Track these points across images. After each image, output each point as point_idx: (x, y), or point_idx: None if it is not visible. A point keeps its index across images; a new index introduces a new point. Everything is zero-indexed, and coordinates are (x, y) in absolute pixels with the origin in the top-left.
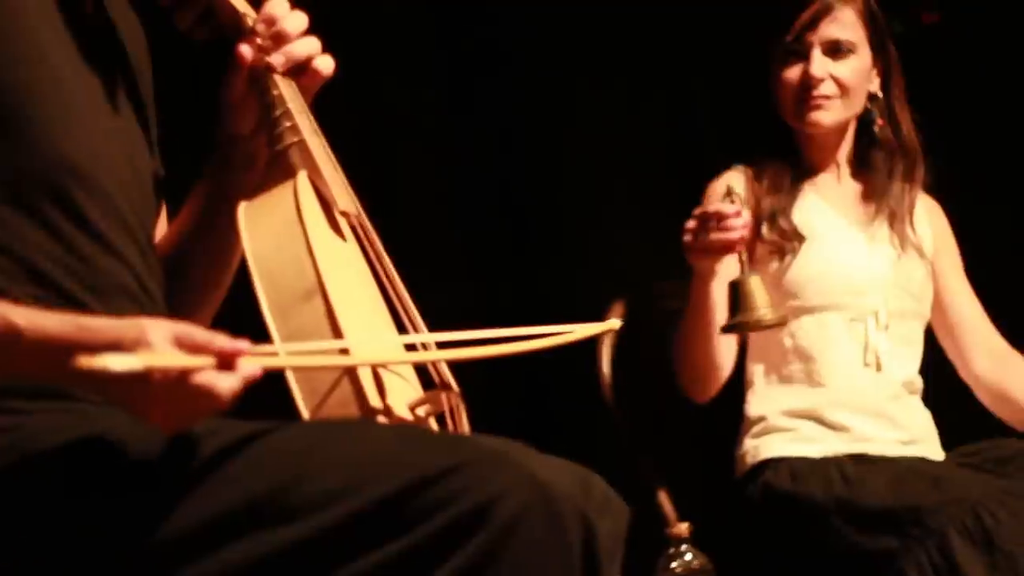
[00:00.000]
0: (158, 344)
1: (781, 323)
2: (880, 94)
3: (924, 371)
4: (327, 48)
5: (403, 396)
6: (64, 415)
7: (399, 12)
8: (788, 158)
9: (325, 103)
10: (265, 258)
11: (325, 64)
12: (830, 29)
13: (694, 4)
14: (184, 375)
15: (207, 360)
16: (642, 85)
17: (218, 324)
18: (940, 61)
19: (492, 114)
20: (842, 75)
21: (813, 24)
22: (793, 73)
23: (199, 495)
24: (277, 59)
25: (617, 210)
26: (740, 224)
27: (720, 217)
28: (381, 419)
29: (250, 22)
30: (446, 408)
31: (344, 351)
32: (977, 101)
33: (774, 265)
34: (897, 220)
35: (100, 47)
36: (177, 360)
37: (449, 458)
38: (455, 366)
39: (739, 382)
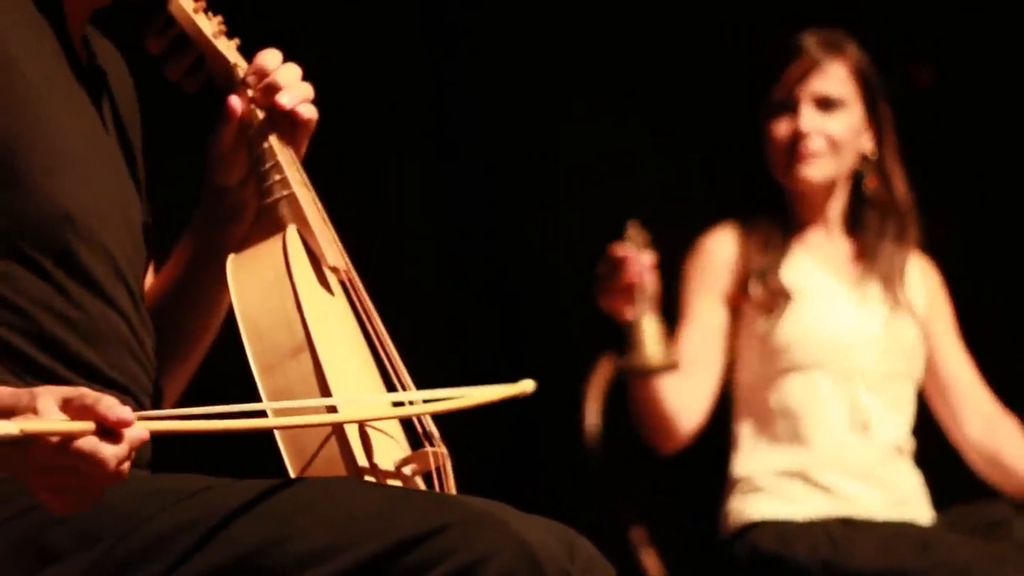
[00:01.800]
0: (45, 410)
1: (670, 367)
2: (872, 153)
3: (915, 430)
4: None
5: (390, 455)
6: None
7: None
8: (779, 215)
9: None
10: (253, 313)
11: (308, 111)
12: (820, 84)
13: (689, 52)
14: (66, 442)
15: (87, 425)
16: (634, 134)
17: (207, 379)
18: (935, 121)
19: (481, 178)
20: (832, 130)
21: (803, 78)
22: (782, 127)
23: (184, 551)
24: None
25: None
26: (637, 267)
27: (616, 261)
28: (368, 478)
29: (241, 73)
30: (433, 467)
31: (332, 408)
32: (973, 162)
33: (762, 323)
34: (888, 280)
35: (91, 96)
36: (55, 425)
37: (435, 519)
38: (441, 423)
39: (726, 439)
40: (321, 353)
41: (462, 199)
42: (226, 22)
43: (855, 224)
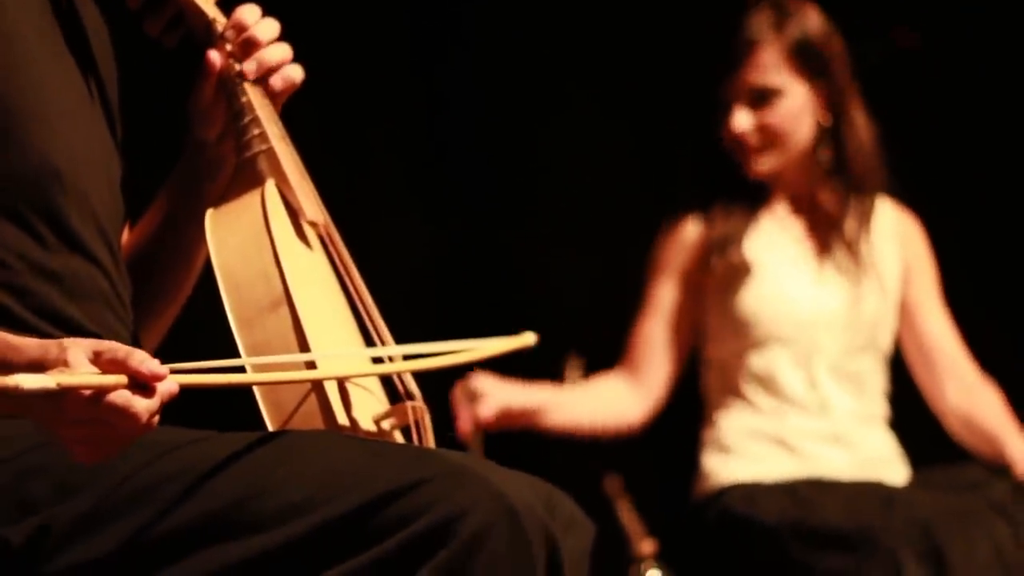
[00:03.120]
0: (76, 363)
1: None
2: (825, 121)
3: (896, 396)
4: (299, 51)
5: (369, 409)
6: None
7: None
8: (745, 189)
9: (294, 108)
10: (232, 268)
11: (294, 72)
12: (751, 76)
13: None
14: (99, 395)
15: (120, 378)
16: (613, 116)
17: (185, 332)
18: (920, 86)
19: (463, 146)
20: (770, 121)
21: (731, 72)
22: (725, 125)
23: (159, 505)
24: (248, 66)
25: (587, 238)
26: (466, 422)
27: (466, 395)
28: (347, 431)
29: (220, 28)
30: (411, 421)
31: (311, 364)
32: (957, 124)
33: (724, 296)
34: (851, 252)
35: (75, 52)
36: (90, 378)
37: (413, 473)
38: (421, 378)
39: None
40: (300, 306)
41: (453, 171)
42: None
43: (818, 195)
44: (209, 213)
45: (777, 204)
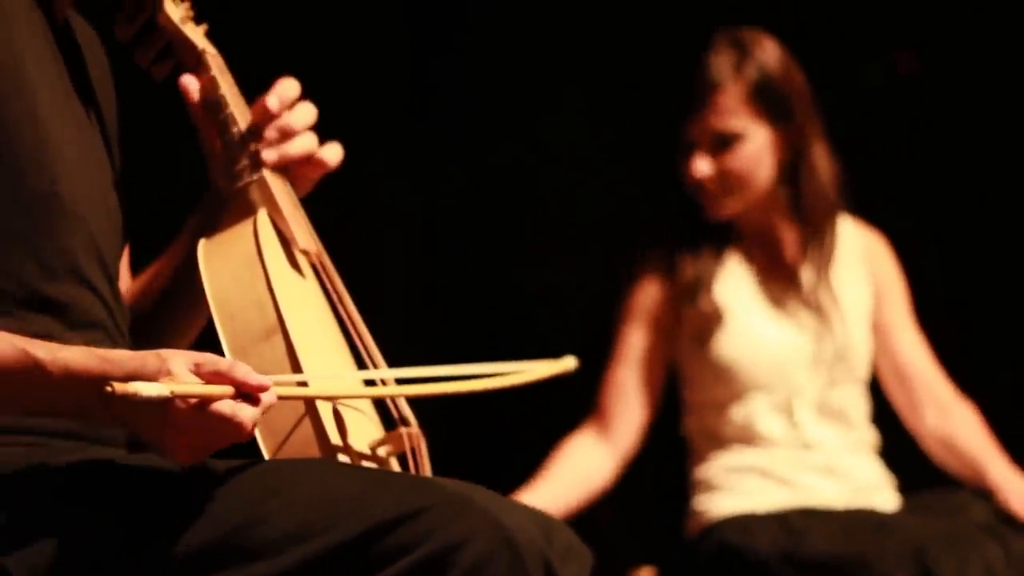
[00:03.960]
0: (179, 372)
1: None
2: (786, 160)
3: (883, 419)
4: (290, 68)
5: (365, 436)
6: (21, 448)
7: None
8: (712, 228)
9: None
10: (225, 296)
11: (332, 154)
12: (711, 120)
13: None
14: (205, 403)
15: (227, 389)
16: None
17: None
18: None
19: (459, 163)
20: (731, 166)
21: (692, 117)
22: (687, 169)
23: (157, 533)
24: (269, 155)
25: (582, 252)
26: None
27: None
28: (343, 458)
29: (209, 59)
30: (408, 448)
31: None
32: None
33: (697, 345)
34: (815, 289)
35: (75, 81)
36: (201, 388)
37: (412, 502)
38: (416, 405)
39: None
40: (293, 335)
41: (446, 189)
42: (209, 10)
43: (780, 233)
44: (202, 243)
45: (741, 243)
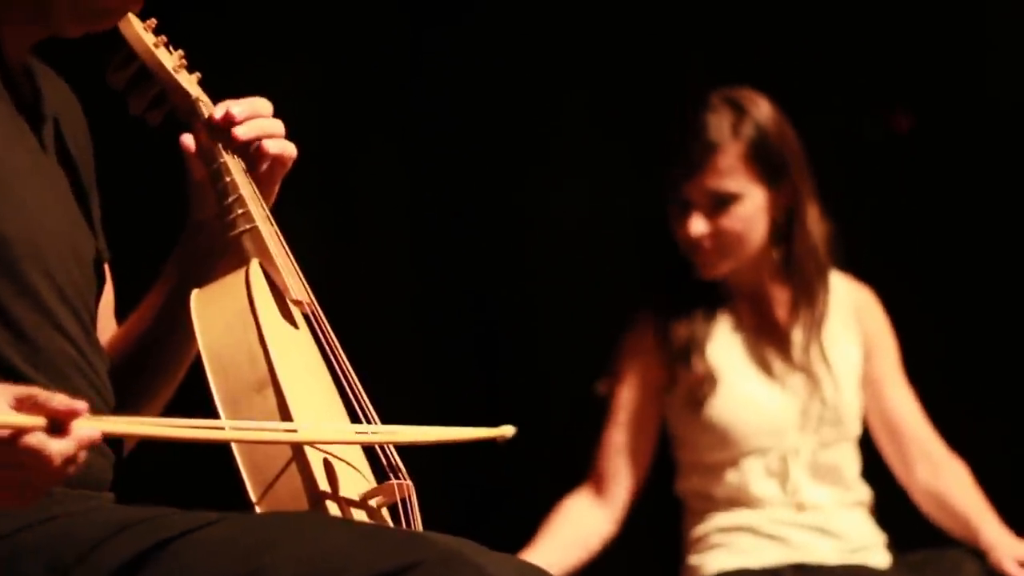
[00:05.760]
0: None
1: None
2: (780, 221)
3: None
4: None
5: (355, 487)
6: None
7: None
8: (702, 288)
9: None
10: (217, 347)
11: (287, 146)
12: (709, 181)
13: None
14: (14, 437)
15: (38, 420)
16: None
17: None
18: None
19: (456, 215)
20: (727, 226)
21: (689, 178)
22: (679, 227)
23: None
24: (240, 130)
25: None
26: None
27: None
28: (334, 509)
29: (203, 107)
30: (398, 499)
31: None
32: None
33: (691, 408)
34: (805, 351)
35: (33, 128)
36: (5, 418)
37: (404, 556)
38: (407, 458)
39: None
40: (285, 387)
41: (441, 230)
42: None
43: (771, 293)
44: (194, 293)
45: (731, 303)
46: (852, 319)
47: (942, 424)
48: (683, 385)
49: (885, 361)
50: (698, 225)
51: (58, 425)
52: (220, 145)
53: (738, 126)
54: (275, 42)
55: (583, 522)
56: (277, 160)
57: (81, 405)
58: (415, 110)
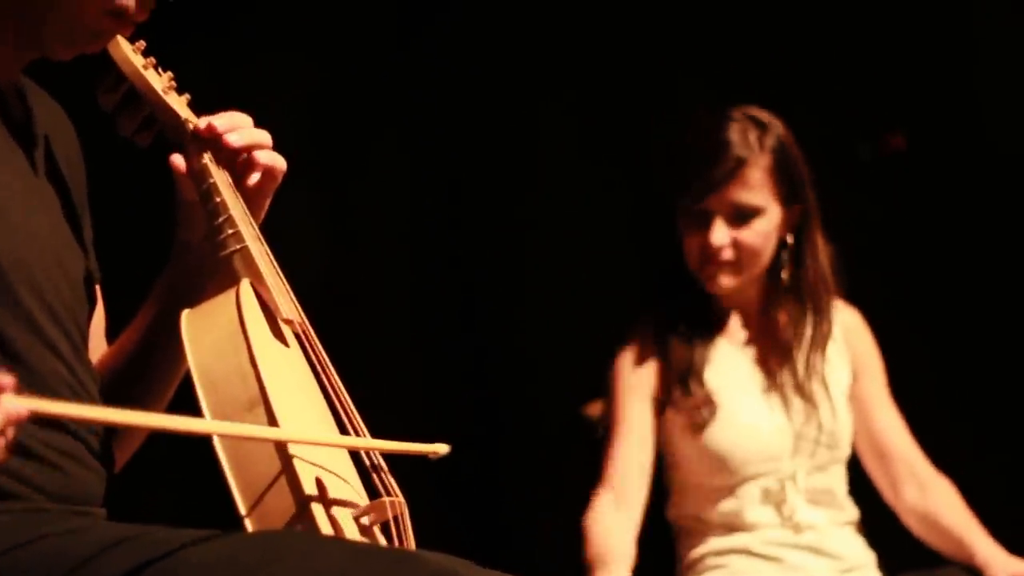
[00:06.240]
0: None
1: None
2: (790, 241)
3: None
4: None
5: (348, 505)
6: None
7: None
8: (702, 306)
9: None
10: (207, 367)
11: (266, 156)
12: (735, 194)
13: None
14: None
15: None
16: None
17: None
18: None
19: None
20: (746, 239)
21: (715, 190)
22: (696, 238)
23: None
24: (231, 137)
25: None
26: None
27: None
28: (325, 526)
29: (191, 128)
30: (390, 516)
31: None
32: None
33: (690, 431)
34: (806, 375)
35: (23, 148)
36: None
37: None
38: (400, 475)
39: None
40: (276, 407)
41: (439, 238)
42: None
43: (774, 316)
44: (185, 314)
45: (731, 324)
46: (841, 339)
47: (929, 443)
48: (681, 407)
49: (873, 382)
50: (721, 234)
51: None
52: (209, 163)
53: (763, 140)
54: (274, 46)
55: (626, 539)
56: (268, 172)
57: (7, 380)
58: (414, 120)
